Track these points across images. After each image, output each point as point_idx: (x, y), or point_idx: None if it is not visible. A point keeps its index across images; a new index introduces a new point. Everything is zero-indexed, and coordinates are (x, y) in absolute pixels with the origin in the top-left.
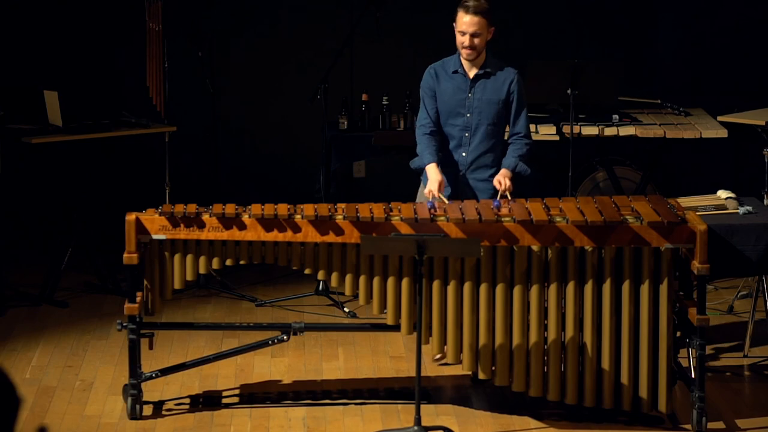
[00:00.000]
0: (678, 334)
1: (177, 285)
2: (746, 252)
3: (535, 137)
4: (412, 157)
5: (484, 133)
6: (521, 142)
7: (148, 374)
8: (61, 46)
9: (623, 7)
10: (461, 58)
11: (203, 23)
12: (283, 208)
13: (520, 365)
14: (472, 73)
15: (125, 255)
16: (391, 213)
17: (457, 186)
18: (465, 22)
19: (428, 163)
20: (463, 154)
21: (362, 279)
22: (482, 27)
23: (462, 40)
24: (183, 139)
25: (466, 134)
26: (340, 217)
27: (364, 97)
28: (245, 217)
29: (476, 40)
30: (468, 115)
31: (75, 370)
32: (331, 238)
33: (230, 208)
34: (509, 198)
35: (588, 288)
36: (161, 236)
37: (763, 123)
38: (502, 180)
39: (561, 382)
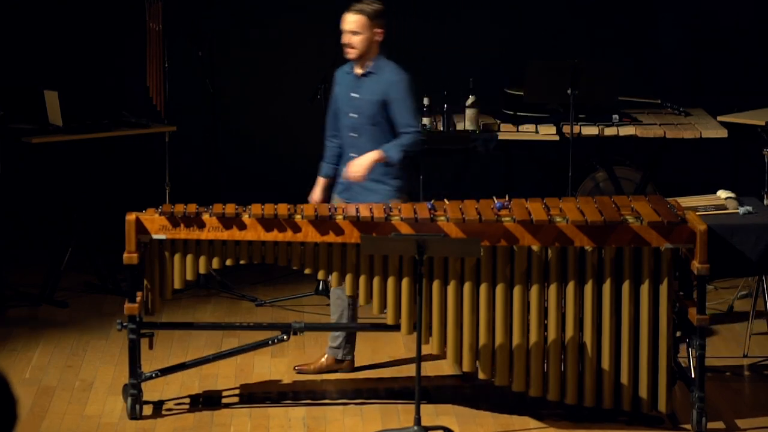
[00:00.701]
0: (678, 334)
1: (177, 285)
2: (746, 252)
3: (535, 137)
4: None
5: (370, 133)
6: (410, 132)
7: (148, 374)
8: (61, 46)
9: (623, 7)
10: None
11: (203, 23)
12: (283, 208)
13: (520, 365)
14: (358, 72)
15: (125, 255)
16: (391, 213)
17: (351, 188)
18: (345, 21)
19: (318, 176)
20: (352, 154)
21: (362, 279)
22: (361, 26)
23: (343, 38)
24: (183, 139)
25: (354, 134)
26: (340, 217)
27: None
28: (245, 217)
29: (354, 39)
30: (354, 114)
31: (75, 370)
32: (331, 238)
33: (230, 208)
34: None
35: (588, 288)
36: (161, 236)
37: (763, 123)
38: (359, 163)
39: (561, 382)
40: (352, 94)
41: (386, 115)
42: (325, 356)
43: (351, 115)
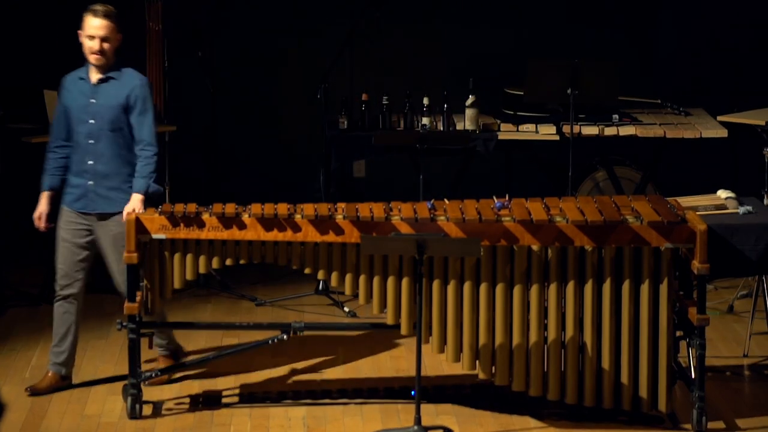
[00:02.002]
0: (678, 333)
1: (177, 284)
2: (746, 252)
3: (535, 137)
4: (413, 157)
5: (108, 139)
6: (148, 155)
7: (148, 374)
8: (61, 46)
9: (623, 7)
10: (89, 65)
11: (203, 23)
12: (283, 208)
13: (520, 365)
14: (95, 78)
15: (125, 255)
16: (391, 213)
17: (87, 196)
18: (94, 26)
19: (42, 190)
20: (90, 162)
21: (362, 279)
22: (111, 31)
23: (91, 45)
24: (183, 139)
25: (91, 141)
26: (340, 216)
27: (364, 97)
28: (245, 217)
29: (105, 45)
30: (91, 121)
31: (75, 370)
32: (331, 237)
33: (230, 208)
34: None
35: (588, 288)
36: (161, 236)
37: (763, 123)
38: (133, 209)
39: (561, 382)
40: (91, 101)
41: (126, 121)
42: (50, 373)
43: (89, 121)
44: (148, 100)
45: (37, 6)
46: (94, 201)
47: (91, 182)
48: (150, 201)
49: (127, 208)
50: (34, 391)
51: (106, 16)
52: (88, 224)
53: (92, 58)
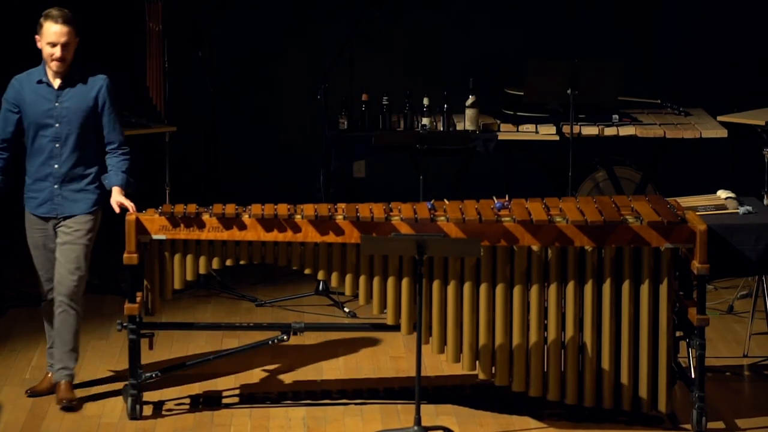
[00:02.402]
0: (678, 333)
1: (177, 285)
2: (746, 252)
3: (535, 137)
4: (413, 157)
5: (75, 142)
6: (119, 154)
7: (148, 374)
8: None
9: (623, 6)
10: (46, 67)
11: (203, 23)
12: (283, 208)
13: (520, 365)
14: (57, 81)
15: (125, 255)
16: (391, 213)
17: (52, 200)
18: (55, 33)
19: None
20: (56, 165)
21: (362, 279)
22: (71, 36)
23: (52, 52)
24: (183, 139)
25: (57, 145)
26: (340, 217)
27: (364, 97)
28: (245, 217)
29: (66, 51)
30: (57, 125)
31: (75, 370)
32: (331, 238)
33: (230, 208)
34: None
35: (588, 288)
36: (161, 236)
37: (763, 123)
38: (122, 201)
39: (561, 382)
40: (56, 105)
41: (94, 123)
42: (50, 374)
43: (55, 125)
44: (115, 99)
45: (37, 6)
46: (61, 204)
47: (56, 186)
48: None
49: (115, 200)
50: (34, 393)
51: (65, 21)
52: (54, 227)
53: (54, 65)
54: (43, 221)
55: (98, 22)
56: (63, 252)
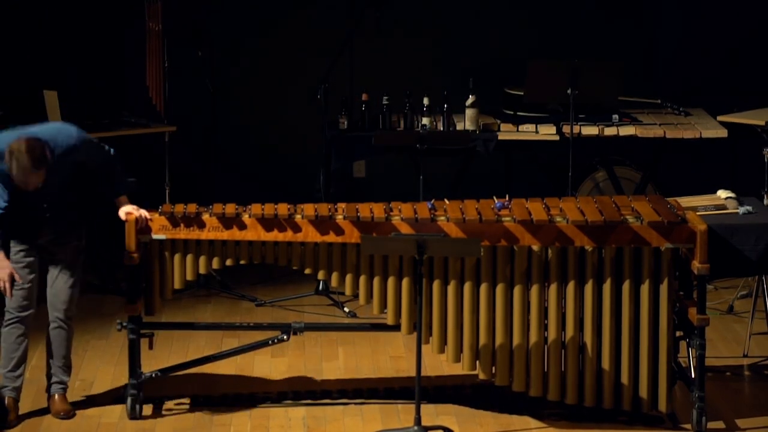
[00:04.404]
0: (678, 333)
1: (177, 285)
2: (746, 252)
3: (535, 137)
4: (413, 157)
5: (64, 198)
6: (115, 160)
7: (148, 374)
8: (61, 46)
9: (623, 7)
10: None
11: (203, 23)
12: (283, 208)
13: (520, 365)
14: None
15: (125, 255)
16: (391, 213)
17: (38, 219)
18: (33, 182)
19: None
20: (46, 225)
21: (362, 279)
22: (42, 175)
23: (28, 186)
24: (183, 139)
25: (45, 205)
26: (340, 217)
27: (364, 97)
28: (245, 217)
29: (41, 180)
30: (44, 190)
31: (75, 370)
32: (331, 238)
33: (230, 208)
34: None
35: (588, 288)
36: (161, 236)
37: (763, 123)
38: (130, 211)
39: (561, 382)
40: (40, 188)
41: (82, 175)
42: (10, 399)
43: (42, 191)
44: (88, 140)
45: (37, 6)
46: (46, 223)
47: (43, 240)
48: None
49: (125, 210)
50: (7, 424)
51: (37, 167)
52: (36, 246)
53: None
54: (23, 244)
55: (98, 22)
56: (58, 273)
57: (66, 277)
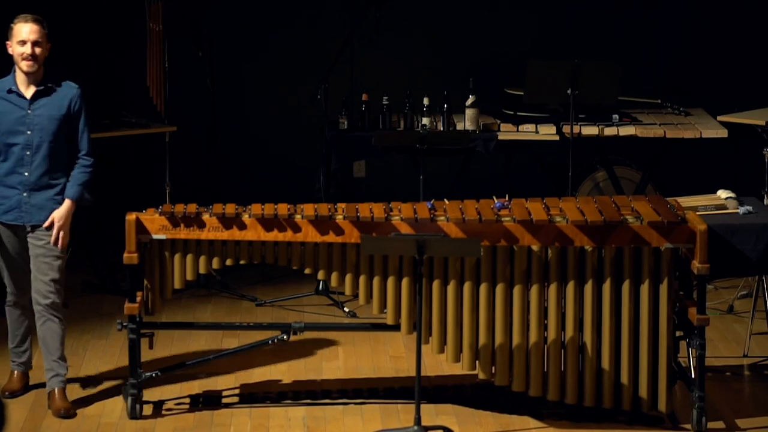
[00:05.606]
0: (678, 333)
1: (177, 285)
2: (746, 252)
3: (535, 137)
4: (413, 157)
5: (47, 151)
6: (86, 164)
7: (148, 374)
8: (61, 46)
9: (623, 7)
10: (16, 76)
11: (203, 23)
12: (283, 208)
13: (520, 365)
14: (30, 90)
15: (125, 255)
16: (391, 213)
17: (20, 207)
18: (26, 31)
19: None
20: (26, 173)
21: (362, 279)
22: (43, 36)
23: (23, 51)
24: (183, 139)
25: (28, 153)
26: (340, 217)
27: (364, 97)
28: (245, 217)
29: (38, 50)
30: (29, 132)
31: (75, 370)
32: (331, 238)
33: (230, 208)
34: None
35: (588, 288)
36: (161, 236)
37: (763, 123)
38: (58, 227)
39: (561, 382)
40: (28, 112)
41: (66, 131)
42: (17, 373)
43: (27, 132)
44: (88, 109)
45: (37, 6)
46: (29, 213)
47: (25, 194)
48: (78, 209)
49: (56, 215)
50: (12, 393)
51: (36, 21)
52: (22, 235)
53: (24, 65)
54: (10, 228)
55: (98, 22)
56: (37, 264)
57: (46, 269)
